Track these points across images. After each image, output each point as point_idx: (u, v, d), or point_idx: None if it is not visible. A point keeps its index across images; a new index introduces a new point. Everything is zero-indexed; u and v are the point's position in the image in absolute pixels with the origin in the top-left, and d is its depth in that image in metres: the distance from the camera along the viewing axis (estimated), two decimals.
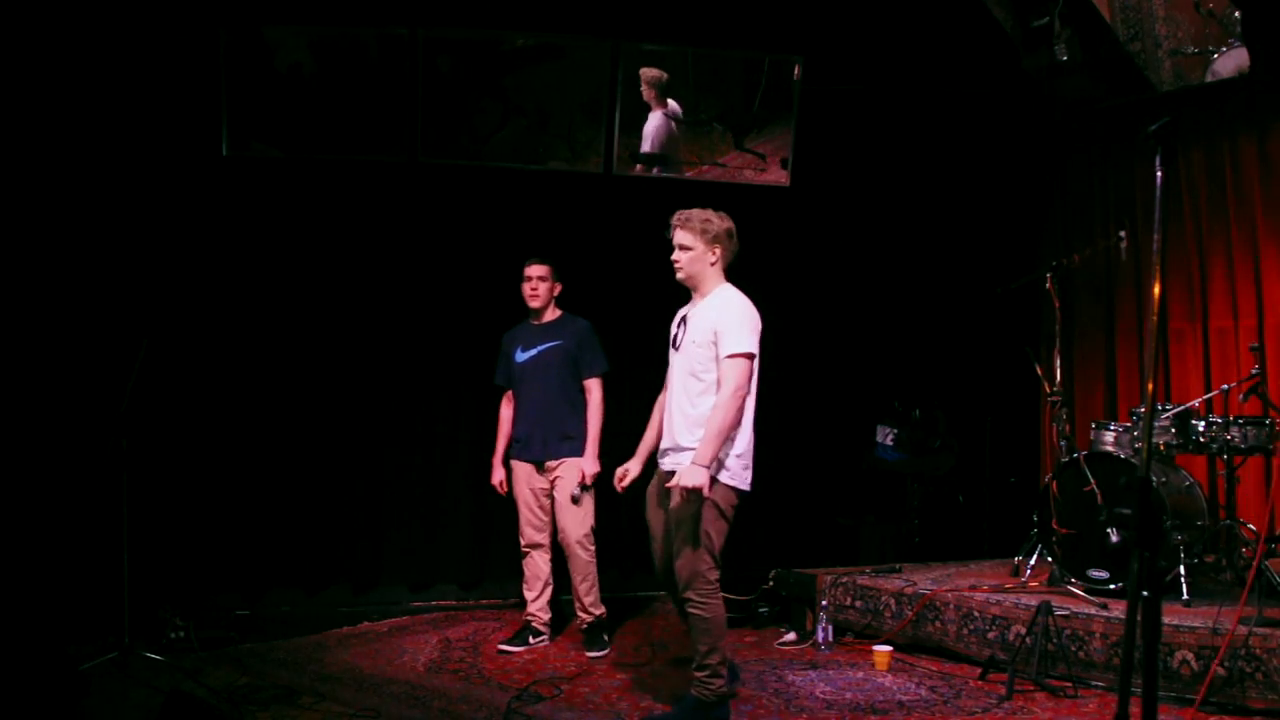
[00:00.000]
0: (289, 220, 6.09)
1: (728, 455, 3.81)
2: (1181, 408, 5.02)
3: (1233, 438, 4.85)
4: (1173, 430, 4.97)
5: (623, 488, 4.18)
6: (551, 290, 5.19)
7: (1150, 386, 2.58)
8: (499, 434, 5.25)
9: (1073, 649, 4.31)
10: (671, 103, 6.30)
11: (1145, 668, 2.47)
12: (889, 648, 4.75)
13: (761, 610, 5.58)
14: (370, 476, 6.16)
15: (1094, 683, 4.22)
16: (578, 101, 6.22)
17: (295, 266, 6.07)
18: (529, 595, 5.17)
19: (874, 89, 6.61)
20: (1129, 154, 6.32)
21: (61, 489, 5.41)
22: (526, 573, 5.19)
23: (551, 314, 5.22)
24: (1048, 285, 5.37)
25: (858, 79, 6.56)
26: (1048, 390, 5.42)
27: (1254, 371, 4.98)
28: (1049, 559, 5.04)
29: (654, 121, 6.31)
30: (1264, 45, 5.26)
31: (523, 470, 5.13)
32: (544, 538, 5.14)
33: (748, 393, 3.85)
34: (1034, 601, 4.46)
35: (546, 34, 6.13)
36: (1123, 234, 5.49)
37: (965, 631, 4.75)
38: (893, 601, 5.08)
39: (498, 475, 5.22)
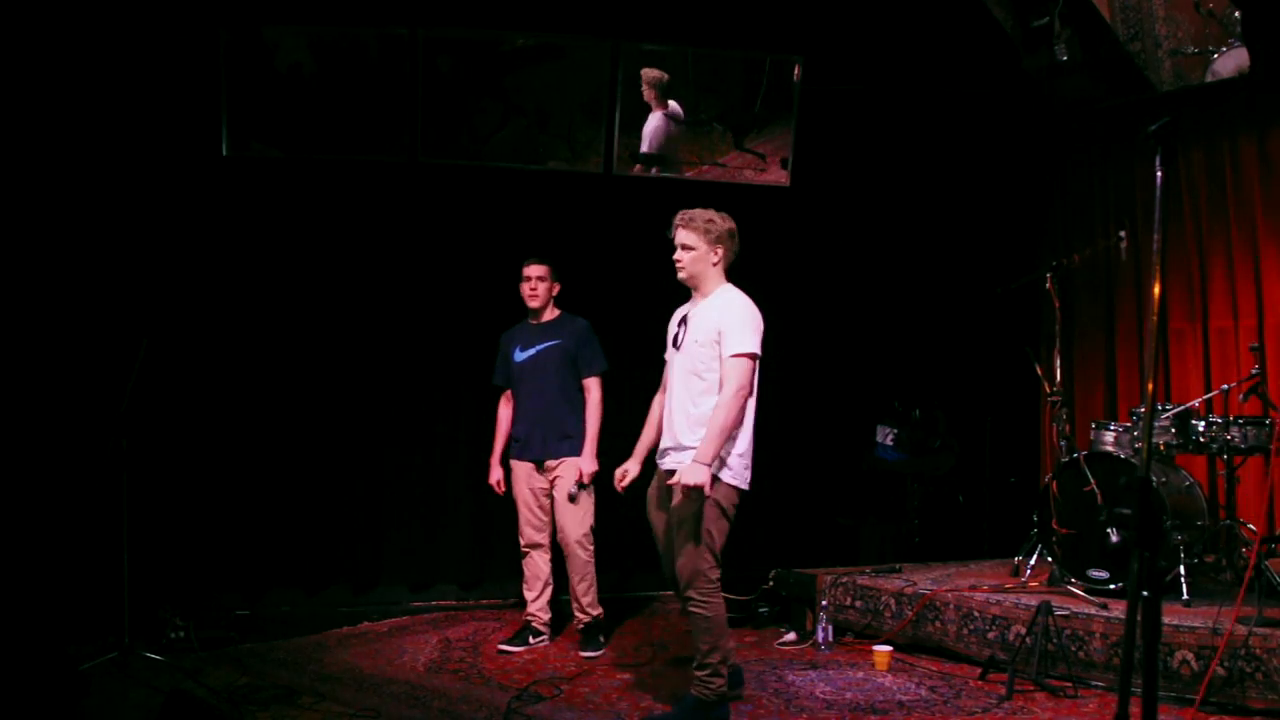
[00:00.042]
0: (289, 220, 6.09)
1: (729, 454, 3.82)
2: (1181, 408, 5.01)
3: (1233, 438, 4.84)
4: (1173, 430, 4.97)
5: (622, 488, 4.19)
6: (550, 290, 5.19)
7: (1150, 386, 2.58)
8: (497, 434, 5.25)
9: (1073, 649, 4.31)
10: (672, 103, 6.30)
11: (1145, 668, 2.47)
12: (889, 648, 4.75)
13: (761, 610, 5.58)
14: (370, 476, 6.16)
15: (1094, 683, 4.22)
16: (578, 101, 6.22)
17: (295, 267, 6.07)
18: (529, 595, 5.17)
19: (874, 89, 6.61)
20: (1129, 154, 6.32)
21: (61, 489, 5.41)
22: (526, 573, 5.19)
23: (550, 314, 5.22)
24: (1048, 285, 5.37)
25: (858, 79, 6.56)
26: (1048, 390, 5.42)
27: (1254, 371, 4.98)
28: (1049, 559, 5.04)
29: (653, 122, 6.31)
30: (1264, 45, 5.26)
31: (522, 470, 5.13)
32: (544, 538, 5.14)
33: (750, 393, 3.87)
34: (1034, 601, 4.46)
35: (546, 34, 6.13)
36: (1123, 234, 5.50)
37: (965, 631, 4.75)
38: (893, 601, 5.08)
39: (495, 475, 5.22)
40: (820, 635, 5.08)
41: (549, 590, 5.18)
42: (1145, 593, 2.40)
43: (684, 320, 4.04)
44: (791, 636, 5.25)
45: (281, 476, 5.97)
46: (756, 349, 3.85)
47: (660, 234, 4.04)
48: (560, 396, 5.09)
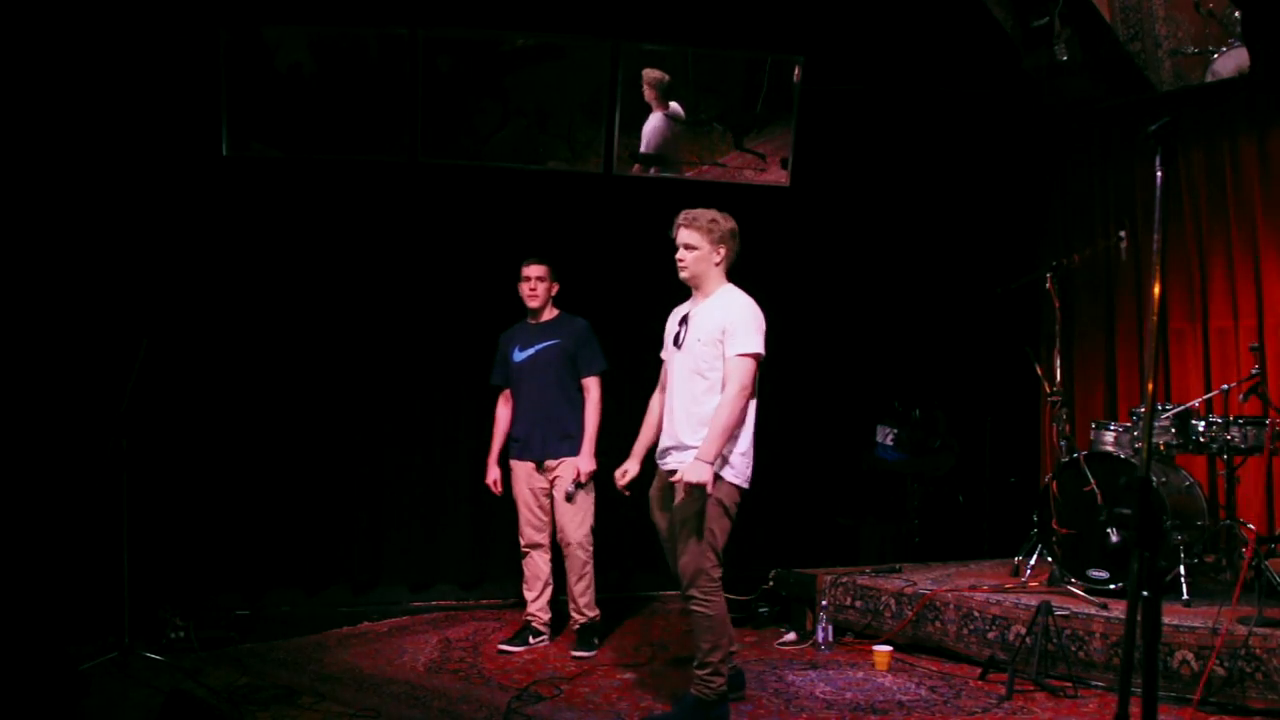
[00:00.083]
0: (289, 220, 6.09)
1: (731, 452, 3.84)
2: (1181, 408, 5.01)
3: (1233, 438, 4.84)
4: (1173, 430, 4.97)
5: (622, 486, 4.19)
6: (549, 290, 5.19)
7: (1150, 386, 2.58)
8: (494, 434, 5.26)
9: (1073, 649, 4.31)
10: (674, 105, 6.30)
11: (1145, 668, 2.47)
12: (889, 648, 4.75)
13: (761, 610, 5.58)
14: (370, 476, 6.16)
15: (1094, 683, 4.22)
16: (578, 101, 6.22)
17: (295, 267, 6.07)
18: (529, 595, 5.17)
19: (874, 89, 6.61)
20: (1129, 154, 6.32)
21: (61, 489, 5.41)
22: (526, 573, 5.19)
23: (549, 313, 5.22)
24: (1048, 285, 5.37)
25: (858, 79, 6.56)
26: (1048, 390, 5.42)
27: (1254, 371, 4.97)
28: (1049, 559, 5.04)
29: (652, 122, 6.31)
30: (1264, 45, 5.26)
31: (522, 470, 5.13)
32: (544, 538, 5.14)
33: (753, 393, 3.88)
34: (1034, 601, 4.46)
35: (546, 34, 6.12)
36: (1123, 234, 5.50)
37: (965, 631, 4.75)
38: (893, 601, 5.08)
39: (491, 475, 5.22)
40: (820, 635, 5.08)
41: (549, 590, 5.18)
42: (1145, 593, 2.40)
43: (685, 319, 4.04)
44: (791, 636, 5.25)
45: (281, 477, 5.97)
46: (761, 349, 3.87)
47: (660, 234, 4.05)
48: (560, 396, 5.09)
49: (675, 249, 3.98)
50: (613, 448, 4.75)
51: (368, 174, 6.16)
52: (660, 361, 4.19)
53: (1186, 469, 5.24)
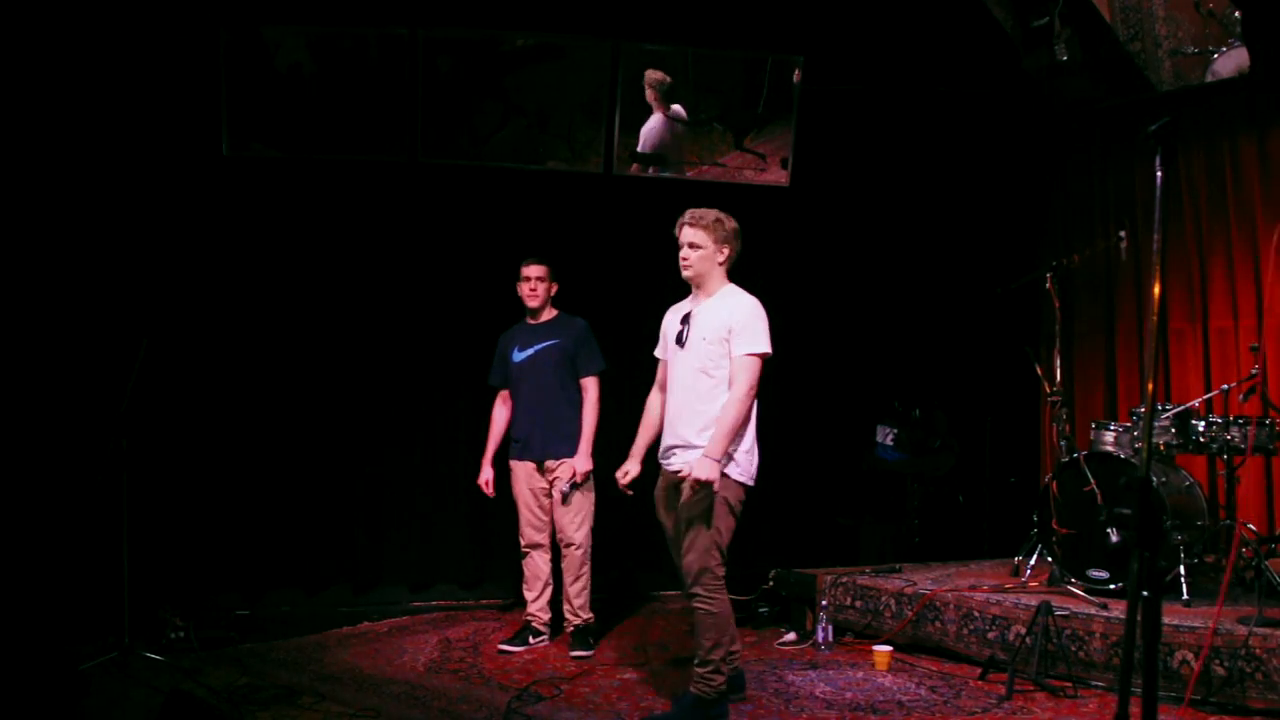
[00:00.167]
0: (289, 220, 6.09)
1: (737, 450, 3.86)
2: (1181, 408, 5.01)
3: (1233, 438, 4.84)
4: (1173, 430, 4.97)
5: (624, 486, 4.18)
6: (549, 290, 5.20)
7: (1150, 386, 2.58)
8: (490, 434, 5.26)
9: (1073, 649, 4.31)
10: (675, 107, 6.30)
11: (1145, 668, 2.47)
12: (889, 648, 4.75)
13: (761, 610, 5.58)
14: (370, 476, 6.16)
15: (1094, 683, 4.22)
16: (578, 101, 6.22)
17: (295, 267, 6.07)
18: (529, 595, 5.18)
19: (874, 89, 6.60)
20: (1129, 154, 6.32)
21: (62, 489, 5.41)
22: (526, 573, 5.19)
23: (548, 314, 5.22)
24: (1048, 285, 5.37)
25: (858, 79, 6.56)
26: (1048, 390, 5.42)
27: (1254, 371, 4.97)
28: (1049, 559, 5.04)
29: (651, 122, 6.31)
30: (1264, 45, 5.26)
31: (522, 470, 5.14)
32: (544, 538, 5.14)
33: (757, 392, 3.90)
34: (1034, 601, 4.46)
35: (546, 34, 6.12)
36: (1123, 234, 5.50)
37: (965, 631, 4.74)
38: (893, 601, 5.08)
39: (484, 475, 5.23)
40: (820, 635, 5.08)
41: (549, 590, 5.18)
42: (1145, 593, 2.39)
43: (686, 318, 4.03)
44: (791, 636, 5.25)
45: (281, 477, 5.97)
46: (769, 349, 3.90)
47: (660, 234, 4.05)
48: (559, 396, 5.09)
49: (677, 248, 3.99)
50: (612, 448, 4.75)
51: (368, 174, 6.15)
52: (657, 361, 4.19)
53: (1186, 469, 5.24)
